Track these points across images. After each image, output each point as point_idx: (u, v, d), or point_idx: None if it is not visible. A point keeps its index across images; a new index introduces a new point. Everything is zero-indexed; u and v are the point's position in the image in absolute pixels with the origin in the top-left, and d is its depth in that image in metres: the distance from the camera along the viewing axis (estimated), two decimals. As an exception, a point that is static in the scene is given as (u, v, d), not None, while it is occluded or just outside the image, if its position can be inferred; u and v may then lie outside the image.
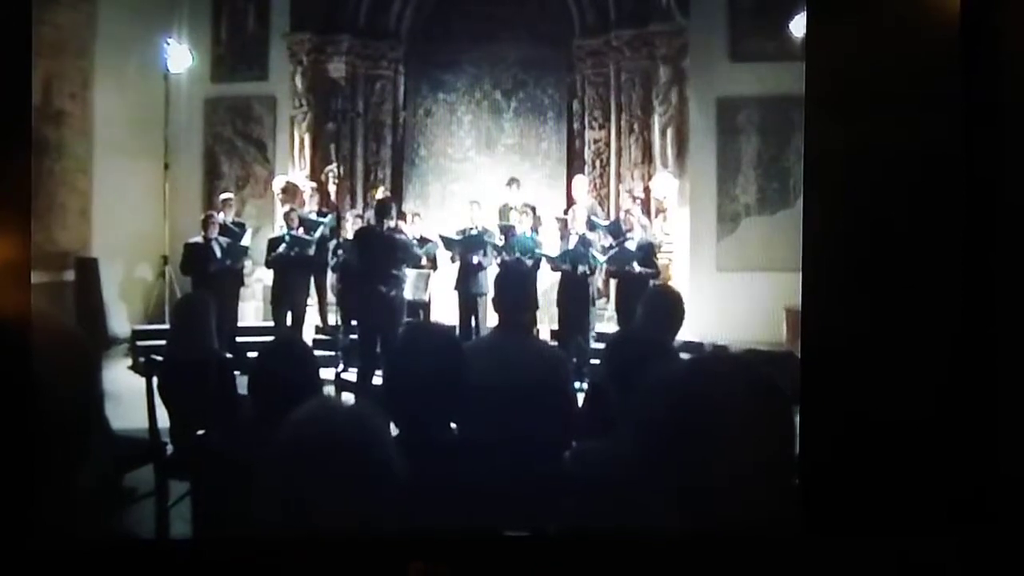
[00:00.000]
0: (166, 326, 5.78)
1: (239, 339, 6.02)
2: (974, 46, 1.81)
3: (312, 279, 6.88)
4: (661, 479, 1.33)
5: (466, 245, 6.44)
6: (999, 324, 1.82)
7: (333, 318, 6.78)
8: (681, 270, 7.10)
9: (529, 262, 6.21)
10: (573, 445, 2.38)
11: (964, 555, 1.80)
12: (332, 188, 7.58)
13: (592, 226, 6.53)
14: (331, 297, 6.90)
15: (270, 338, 5.59)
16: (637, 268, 6.15)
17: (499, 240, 6.47)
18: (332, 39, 7.87)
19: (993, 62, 1.82)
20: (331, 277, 6.80)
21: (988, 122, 1.82)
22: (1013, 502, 1.81)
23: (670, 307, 3.08)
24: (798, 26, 6.09)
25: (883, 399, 1.86)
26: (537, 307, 6.25)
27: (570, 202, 7.13)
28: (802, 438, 1.75)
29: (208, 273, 6.38)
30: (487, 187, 7.62)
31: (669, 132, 7.36)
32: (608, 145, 7.81)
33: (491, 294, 6.26)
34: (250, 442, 1.85)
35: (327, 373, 4.95)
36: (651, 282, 6.09)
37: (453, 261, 6.53)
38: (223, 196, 7.27)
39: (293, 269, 6.64)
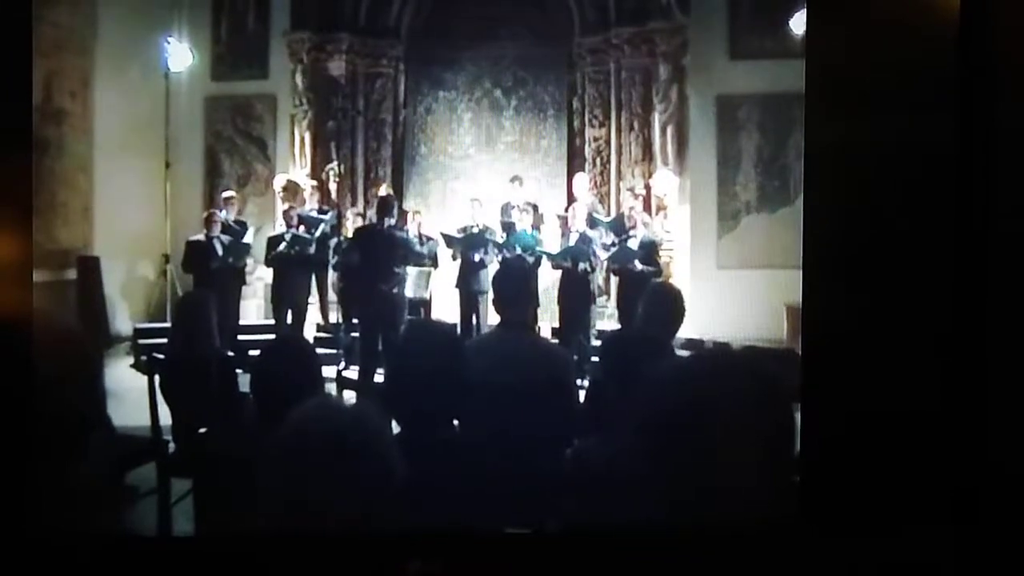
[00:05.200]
0: (168, 324, 5.80)
1: (241, 337, 6.04)
2: (972, 45, 1.81)
3: (313, 277, 6.87)
4: (661, 476, 1.33)
5: (467, 243, 6.44)
6: (992, 320, 1.82)
7: (334, 316, 6.78)
8: (682, 267, 7.09)
9: (530, 259, 6.20)
10: (574, 443, 2.38)
11: (960, 550, 1.80)
12: (333, 186, 7.58)
13: (593, 223, 6.51)
14: (332, 295, 6.89)
15: (271, 336, 5.65)
16: (639, 266, 6.13)
17: (500, 238, 6.47)
18: (332, 37, 7.86)
19: (991, 61, 1.82)
20: (332, 275, 6.80)
21: (986, 120, 1.82)
22: (1007, 499, 1.82)
23: (671, 304, 3.08)
24: (798, 23, 6.08)
25: (883, 395, 1.86)
26: (537, 304, 6.24)
27: (571, 200, 7.12)
28: (802, 435, 1.75)
29: (210, 271, 6.36)
30: (487, 185, 7.61)
31: (669, 129, 7.35)
32: (608, 143, 7.80)
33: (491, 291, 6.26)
34: (252, 440, 1.85)
35: (328, 371, 4.94)
36: (651, 280, 6.08)
37: (454, 259, 6.53)
38: (225, 194, 7.26)
39: (294, 267, 6.63)
